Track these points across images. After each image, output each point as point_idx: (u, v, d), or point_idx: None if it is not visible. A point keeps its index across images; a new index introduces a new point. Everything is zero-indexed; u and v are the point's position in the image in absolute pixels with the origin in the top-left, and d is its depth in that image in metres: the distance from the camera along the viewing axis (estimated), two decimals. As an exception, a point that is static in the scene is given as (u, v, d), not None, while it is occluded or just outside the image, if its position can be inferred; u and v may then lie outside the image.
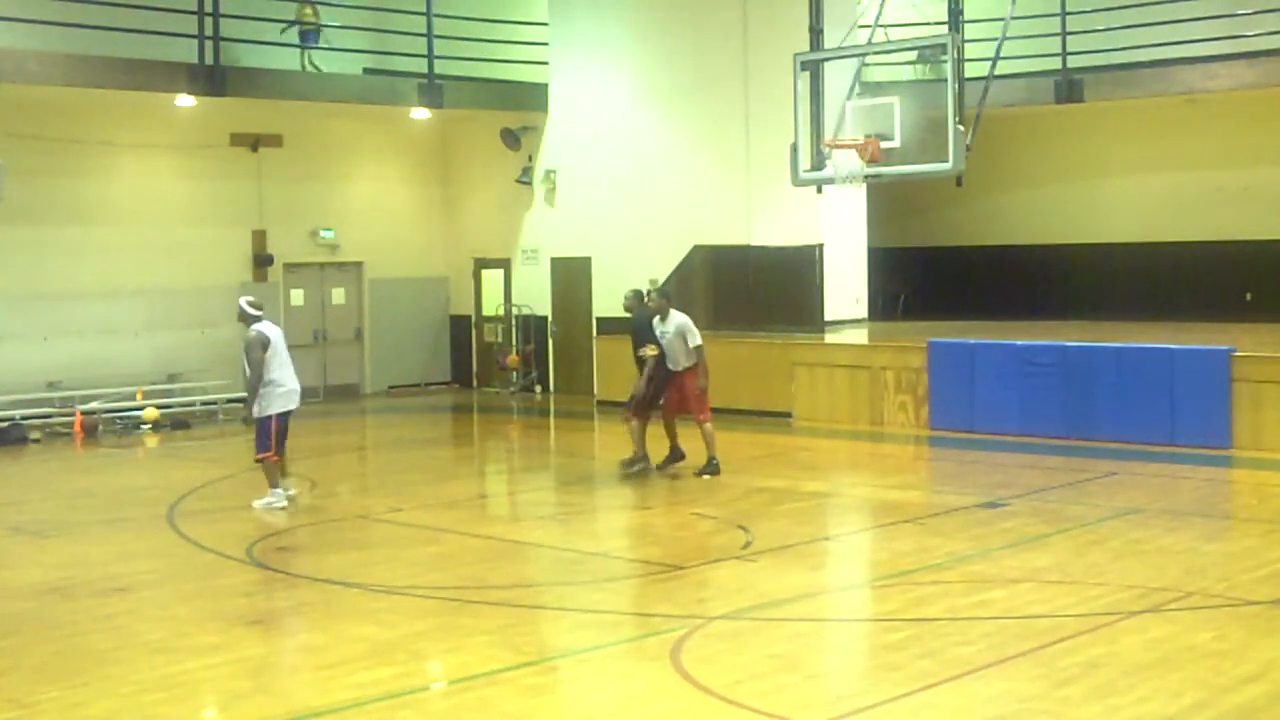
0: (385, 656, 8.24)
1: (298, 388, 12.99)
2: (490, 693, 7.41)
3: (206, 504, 13.46)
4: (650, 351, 14.03)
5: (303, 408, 21.80)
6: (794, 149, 16.09)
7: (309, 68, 20.71)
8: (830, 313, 19.98)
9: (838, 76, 15.98)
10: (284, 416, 12.83)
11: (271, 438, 12.68)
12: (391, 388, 23.28)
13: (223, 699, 7.60)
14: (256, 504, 12.84)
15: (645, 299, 14.59)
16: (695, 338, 14.09)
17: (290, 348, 22.39)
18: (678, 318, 14.13)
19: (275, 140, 21.91)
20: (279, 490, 12.82)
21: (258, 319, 12.84)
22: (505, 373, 23.12)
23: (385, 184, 23.60)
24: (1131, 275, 21.54)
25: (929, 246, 23.70)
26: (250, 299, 13.22)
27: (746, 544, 10.96)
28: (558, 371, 22.69)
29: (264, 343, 12.68)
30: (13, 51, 18.00)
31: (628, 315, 14.60)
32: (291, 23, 20.60)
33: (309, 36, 20.78)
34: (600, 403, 20.79)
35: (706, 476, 13.93)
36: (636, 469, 14.12)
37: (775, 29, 19.24)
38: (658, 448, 14.26)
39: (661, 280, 20.86)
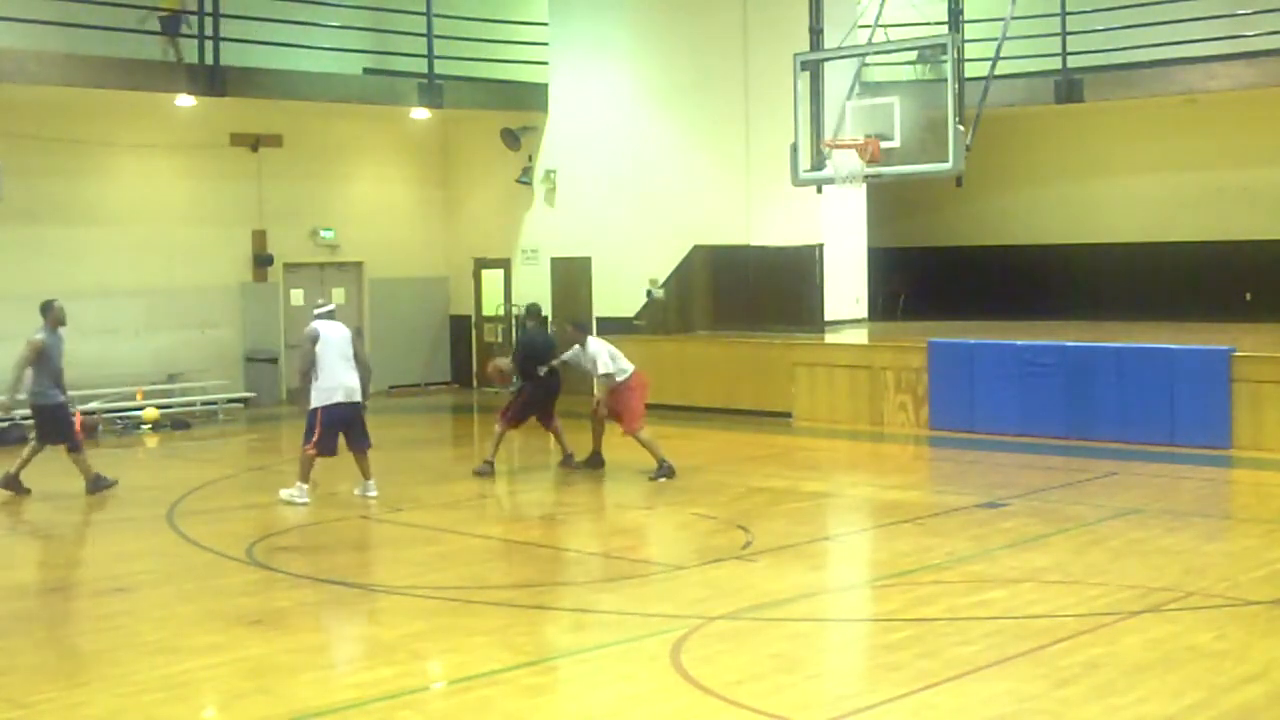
0: (385, 656, 8.24)
1: (346, 384, 13.02)
2: (490, 693, 7.41)
3: (206, 504, 13.46)
4: (503, 364, 15.18)
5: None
6: (794, 149, 16.09)
7: (172, 57, 19.62)
8: (830, 313, 19.98)
9: (838, 76, 15.98)
10: (331, 411, 12.91)
11: (314, 432, 12.86)
12: (392, 388, 23.27)
13: (223, 699, 7.61)
14: (281, 493, 13.06)
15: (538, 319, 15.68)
16: (600, 368, 14.35)
17: (290, 347, 22.64)
18: (592, 346, 14.50)
19: (275, 140, 21.91)
20: (304, 486, 12.93)
21: (320, 316, 13.21)
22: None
23: (385, 184, 23.59)
24: (1131, 275, 21.55)
25: (929, 246, 23.70)
26: (319, 302, 13.94)
27: (746, 544, 10.96)
28: (558, 371, 22.68)
29: (312, 338, 13.00)
30: (13, 51, 17.99)
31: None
32: (152, 9, 19.68)
33: (171, 24, 19.62)
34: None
35: (662, 480, 13.95)
36: (482, 472, 14.63)
37: (775, 29, 19.23)
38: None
39: (661, 280, 20.89)
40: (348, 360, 13.05)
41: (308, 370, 12.96)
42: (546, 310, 22.51)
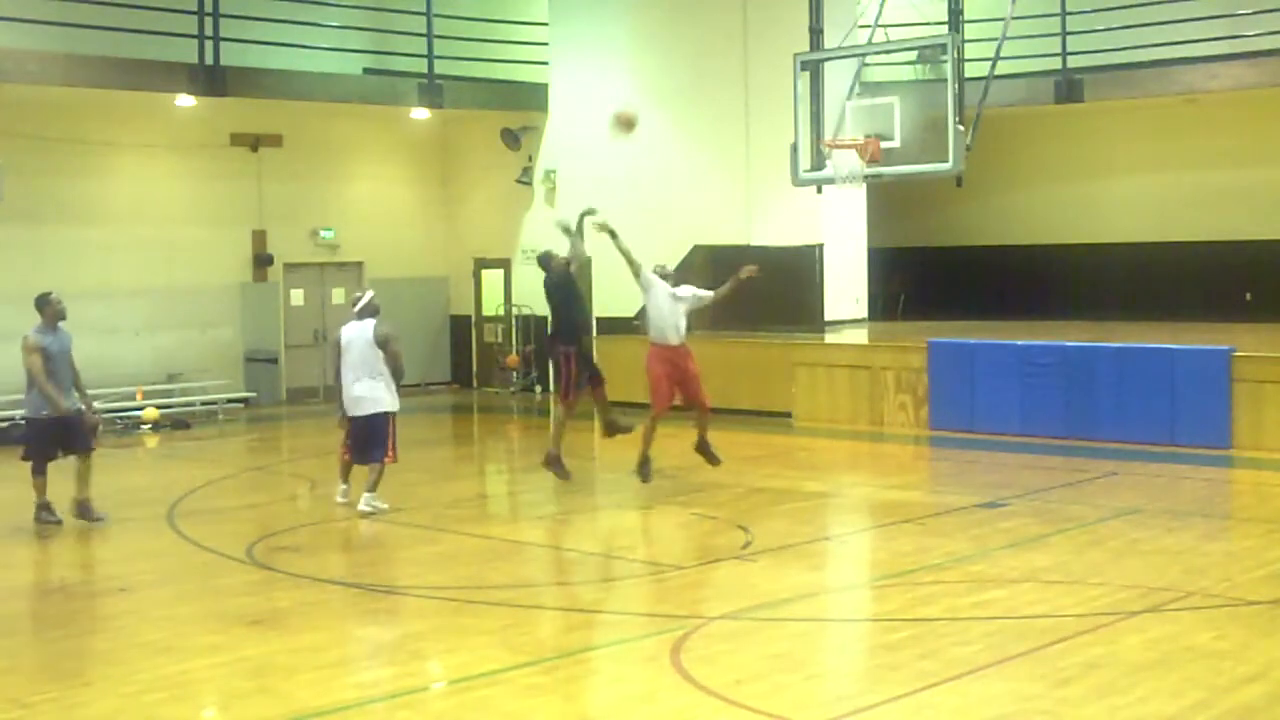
0: (385, 656, 8.25)
1: (352, 395, 12.50)
2: (490, 693, 7.41)
3: (206, 504, 13.46)
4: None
5: (303, 408, 21.88)
6: (794, 149, 16.09)
7: None
8: (830, 313, 19.99)
9: (838, 76, 15.99)
10: (352, 421, 12.57)
11: (343, 437, 12.71)
12: (392, 388, 23.29)
13: (223, 699, 7.61)
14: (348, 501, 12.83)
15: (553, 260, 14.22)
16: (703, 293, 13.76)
17: (290, 347, 22.63)
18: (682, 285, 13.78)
19: (275, 140, 21.91)
20: (342, 487, 12.75)
21: (355, 314, 12.74)
22: (505, 373, 23.10)
23: (385, 184, 23.60)
24: (1131, 275, 21.54)
25: (929, 246, 23.70)
26: (355, 295, 13.18)
27: (746, 544, 10.96)
28: (558, 371, 22.68)
29: (333, 344, 12.76)
30: (13, 51, 17.99)
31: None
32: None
33: None
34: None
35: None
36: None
37: (775, 29, 19.23)
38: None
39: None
40: (363, 368, 12.45)
41: (334, 377, 12.73)
42: (545, 310, 22.51)
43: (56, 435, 12.11)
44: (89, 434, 12.38)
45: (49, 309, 12.35)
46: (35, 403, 12.13)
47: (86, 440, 12.28)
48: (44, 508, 12.13)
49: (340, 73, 21.58)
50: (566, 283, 14.15)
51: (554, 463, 13.79)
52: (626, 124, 14.07)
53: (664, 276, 13.70)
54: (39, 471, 12.14)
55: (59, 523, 12.03)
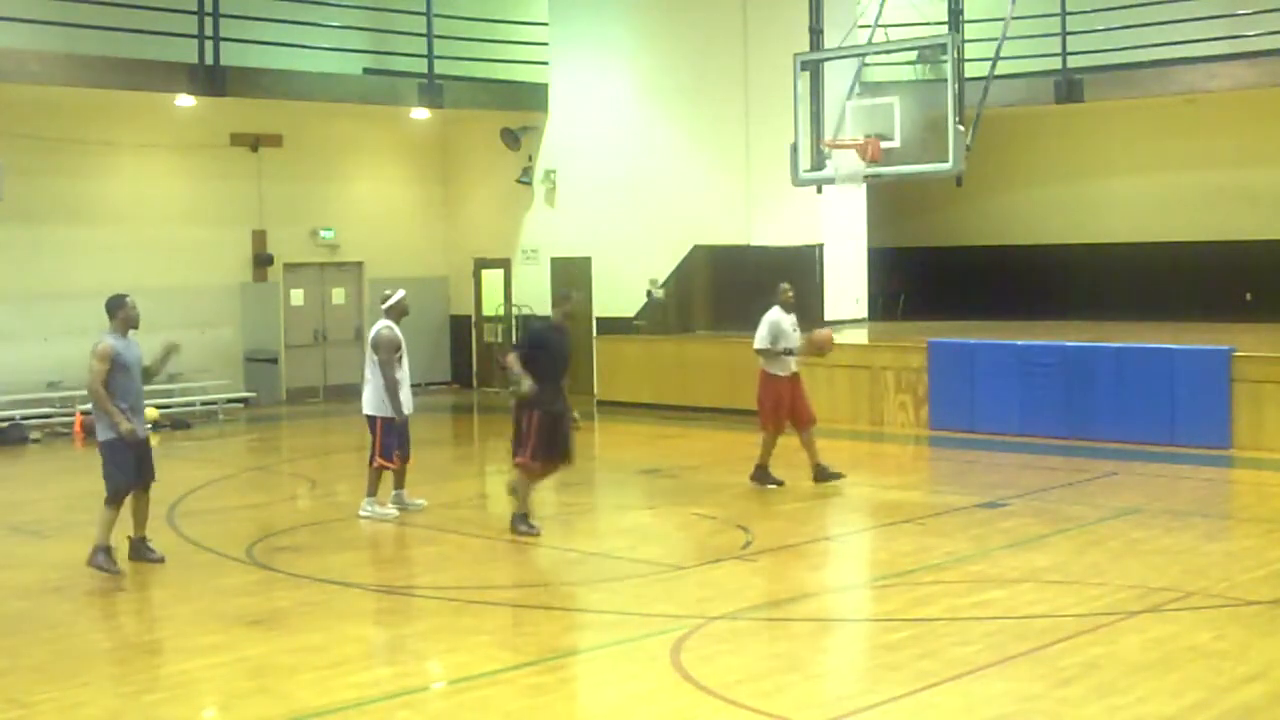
0: (385, 656, 8.25)
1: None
2: (490, 693, 7.41)
3: (206, 504, 13.46)
4: None
5: (303, 408, 21.88)
6: (794, 149, 16.08)
7: None
8: (830, 313, 19.98)
9: (838, 76, 15.99)
10: None
11: None
12: (391, 388, 23.27)
13: (223, 699, 7.61)
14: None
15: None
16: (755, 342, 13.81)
17: (290, 347, 22.66)
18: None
19: (275, 140, 21.92)
20: (396, 492, 12.74)
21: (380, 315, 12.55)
22: (505, 373, 23.07)
23: (385, 184, 23.60)
24: (1131, 275, 21.54)
25: (929, 246, 23.70)
26: (383, 293, 12.88)
27: (746, 544, 10.96)
28: (558, 371, 22.67)
29: None
30: (13, 51, 17.99)
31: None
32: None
33: None
34: (600, 403, 20.79)
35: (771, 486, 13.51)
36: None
37: (775, 29, 19.25)
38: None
39: (661, 280, 20.89)
40: (368, 367, 12.62)
41: None
42: (545, 310, 22.52)
43: (135, 460, 10.56)
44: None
45: (122, 312, 10.60)
46: (106, 423, 10.50)
47: (153, 469, 10.83)
48: (105, 550, 10.24)
49: (340, 73, 21.58)
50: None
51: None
52: (821, 348, 14.37)
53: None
54: (114, 504, 10.44)
55: (119, 573, 10.18)
